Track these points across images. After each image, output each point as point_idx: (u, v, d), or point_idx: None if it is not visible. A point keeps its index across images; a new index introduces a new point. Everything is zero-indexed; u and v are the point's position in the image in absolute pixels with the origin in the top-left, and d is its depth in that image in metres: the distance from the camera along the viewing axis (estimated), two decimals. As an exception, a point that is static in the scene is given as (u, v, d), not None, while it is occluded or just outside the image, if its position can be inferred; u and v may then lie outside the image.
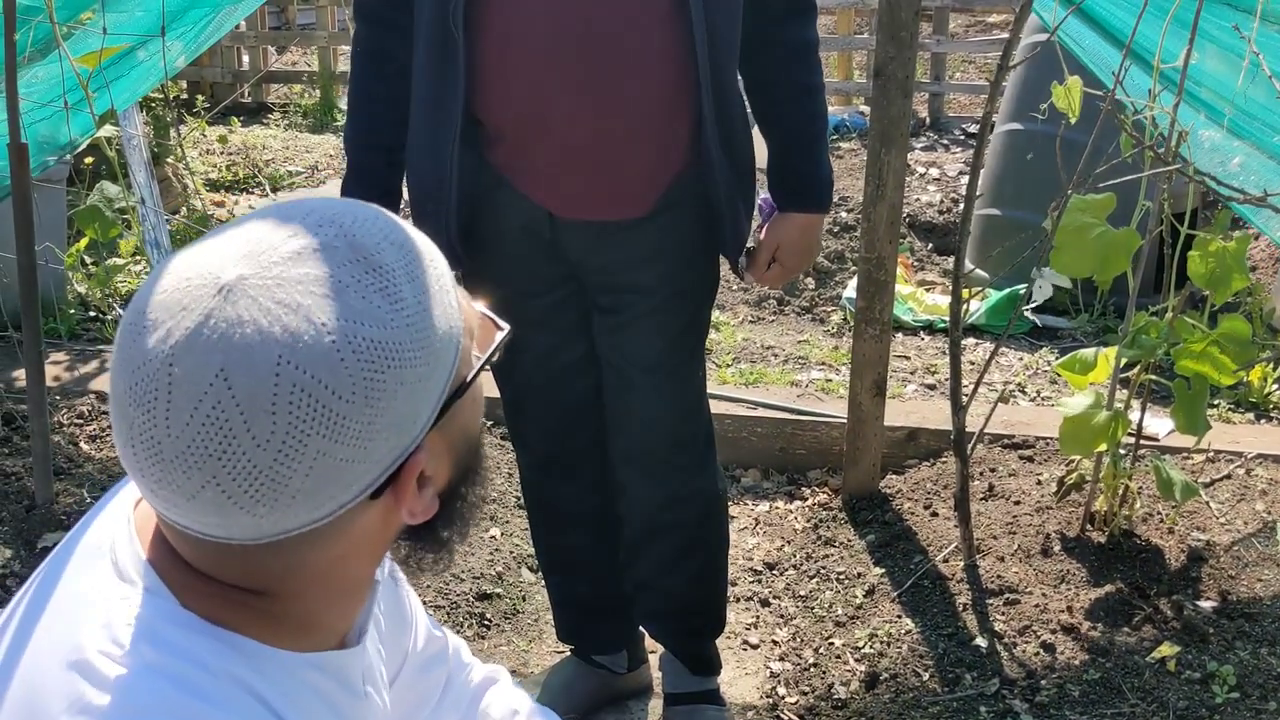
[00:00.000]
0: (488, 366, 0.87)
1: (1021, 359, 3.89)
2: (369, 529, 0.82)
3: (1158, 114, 2.24)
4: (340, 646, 0.89)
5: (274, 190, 5.98)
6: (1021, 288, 4.08)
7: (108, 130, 3.22)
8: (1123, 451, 2.41)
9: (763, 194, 1.96)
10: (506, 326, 0.89)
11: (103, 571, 0.83)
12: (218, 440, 0.72)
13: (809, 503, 2.98)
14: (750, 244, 1.96)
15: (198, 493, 0.74)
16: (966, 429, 2.43)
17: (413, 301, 0.78)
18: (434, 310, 0.79)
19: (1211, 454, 2.83)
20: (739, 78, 1.82)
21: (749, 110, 1.88)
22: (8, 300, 3.18)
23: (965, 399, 2.41)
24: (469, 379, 0.84)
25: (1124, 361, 2.36)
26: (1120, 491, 2.43)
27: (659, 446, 1.93)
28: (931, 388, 3.73)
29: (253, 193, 6.08)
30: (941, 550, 2.51)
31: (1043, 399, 3.59)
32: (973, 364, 3.90)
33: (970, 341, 4.06)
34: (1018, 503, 2.63)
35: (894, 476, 2.93)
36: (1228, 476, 2.74)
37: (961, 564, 2.43)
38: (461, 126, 1.71)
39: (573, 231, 1.79)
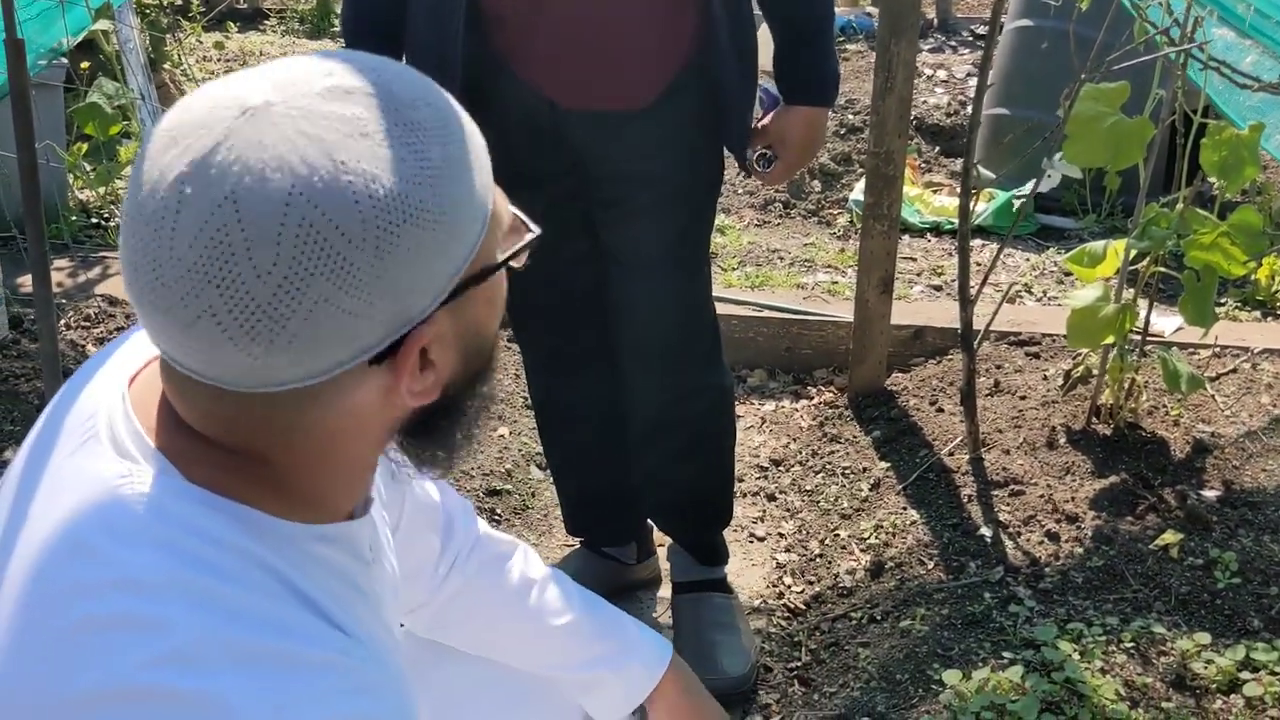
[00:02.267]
0: (511, 266, 0.85)
1: (1028, 259, 3.87)
2: (368, 403, 0.79)
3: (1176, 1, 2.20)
4: (348, 518, 0.89)
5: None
6: (1028, 187, 4.05)
7: (104, 24, 3.16)
8: (1129, 345, 2.40)
9: (763, 84, 1.93)
10: (537, 230, 0.87)
11: (99, 450, 0.80)
12: (218, 266, 0.70)
13: (815, 401, 2.99)
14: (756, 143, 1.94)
15: (194, 322, 0.71)
16: (973, 326, 2.43)
17: (440, 164, 0.75)
18: (461, 181, 0.77)
19: (1218, 349, 2.83)
20: None
21: (755, 2, 1.85)
22: (9, 203, 3.16)
23: (972, 295, 2.41)
24: (490, 269, 0.82)
25: (1133, 254, 2.35)
26: (1126, 385, 2.44)
27: (666, 340, 1.93)
28: (938, 289, 3.72)
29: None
30: (947, 444, 2.53)
31: (1049, 299, 3.58)
32: (979, 265, 3.87)
33: (977, 242, 4.04)
34: (1024, 398, 2.64)
35: (900, 374, 2.93)
36: (1234, 371, 2.75)
37: (967, 457, 2.45)
38: (465, 12, 1.68)
39: (575, 121, 1.77)
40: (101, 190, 3.88)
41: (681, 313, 1.92)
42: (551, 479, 2.30)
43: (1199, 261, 2.30)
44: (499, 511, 2.51)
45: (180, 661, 0.70)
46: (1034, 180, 2.31)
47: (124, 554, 0.73)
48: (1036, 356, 2.89)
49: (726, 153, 1.94)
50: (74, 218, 4.16)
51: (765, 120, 1.91)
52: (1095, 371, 2.46)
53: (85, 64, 4.30)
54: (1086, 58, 2.22)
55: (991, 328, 2.54)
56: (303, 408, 0.77)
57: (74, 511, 0.76)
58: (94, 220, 4.23)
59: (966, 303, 2.41)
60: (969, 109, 5.19)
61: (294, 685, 0.73)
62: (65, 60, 3.67)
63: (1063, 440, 2.43)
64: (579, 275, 1.93)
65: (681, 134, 1.80)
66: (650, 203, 1.83)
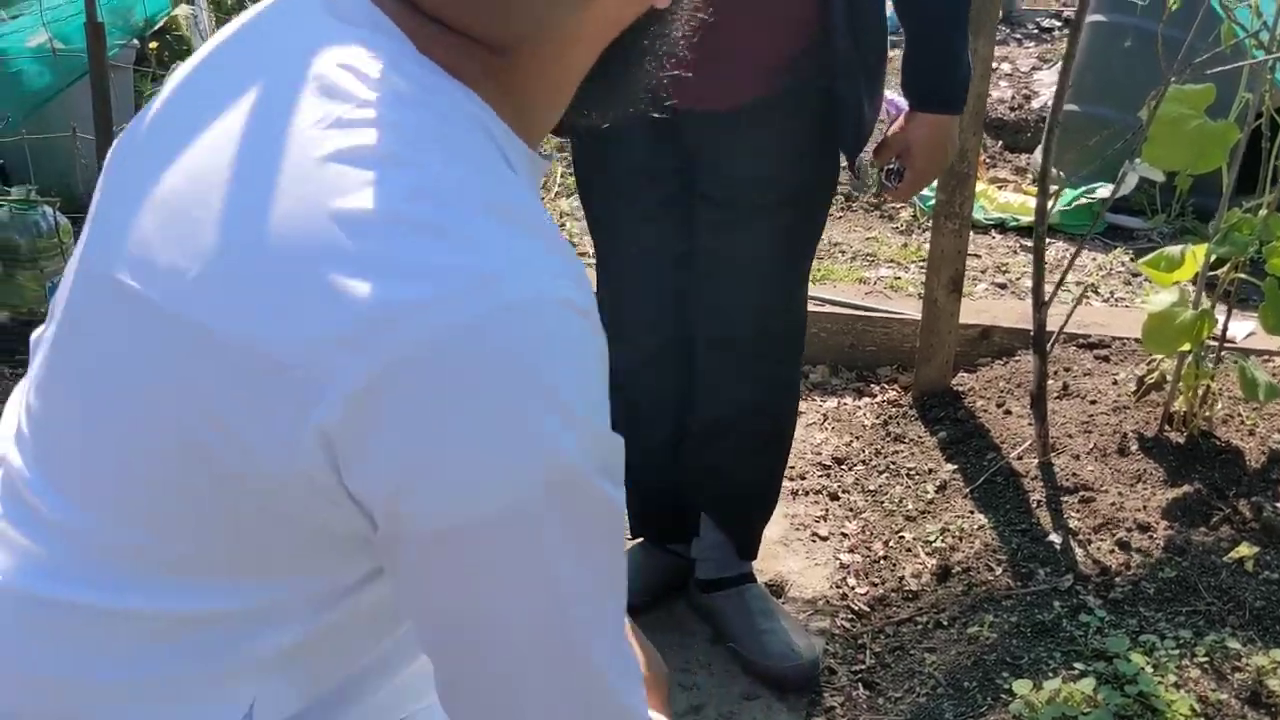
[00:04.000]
0: None
1: (1095, 259, 3.82)
2: (610, 7, 0.75)
3: (1262, 1, 2.15)
4: None
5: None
6: (1098, 186, 3.99)
7: (183, 9, 3.19)
8: (1205, 352, 2.36)
9: (890, 95, 1.89)
10: None
11: (318, 20, 0.74)
12: None
13: (878, 399, 2.97)
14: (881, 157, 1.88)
15: None
16: (1046, 329, 2.40)
17: None
18: None
19: (1293, 356, 2.77)
20: None
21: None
22: (86, 182, 3.20)
23: (1046, 298, 2.37)
24: None
25: (1213, 259, 2.31)
26: (1201, 392, 2.39)
27: (756, 338, 1.92)
28: (1003, 287, 3.68)
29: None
30: (1015, 447, 2.50)
31: (1117, 300, 3.53)
32: (1048, 264, 3.83)
33: (1059, 256, 3.99)
34: (1094, 402, 2.60)
35: (966, 374, 2.90)
36: (1312, 379, 2.69)
37: (1036, 461, 2.42)
38: None
39: (690, 120, 1.73)
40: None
41: (776, 315, 1.91)
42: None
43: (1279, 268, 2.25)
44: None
45: (440, 202, 0.66)
46: (1112, 185, 2.27)
47: (374, 98, 0.69)
48: (1106, 360, 2.84)
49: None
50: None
51: (894, 128, 1.85)
52: (1169, 378, 2.42)
53: (154, 44, 4.35)
54: (1169, 58, 2.18)
55: (1063, 329, 2.51)
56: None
57: (309, 58, 0.71)
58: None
59: (1040, 305, 2.38)
60: (1033, 103, 5.13)
61: (551, 258, 0.69)
62: (136, 42, 3.71)
63: (1134, 447, 2.39)
64: (678, 274, 1.93)
65: (795, 136, 1.77)
66: (760, 204, 1.80)
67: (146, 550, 0.73)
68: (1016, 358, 2.91)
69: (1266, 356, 2.76)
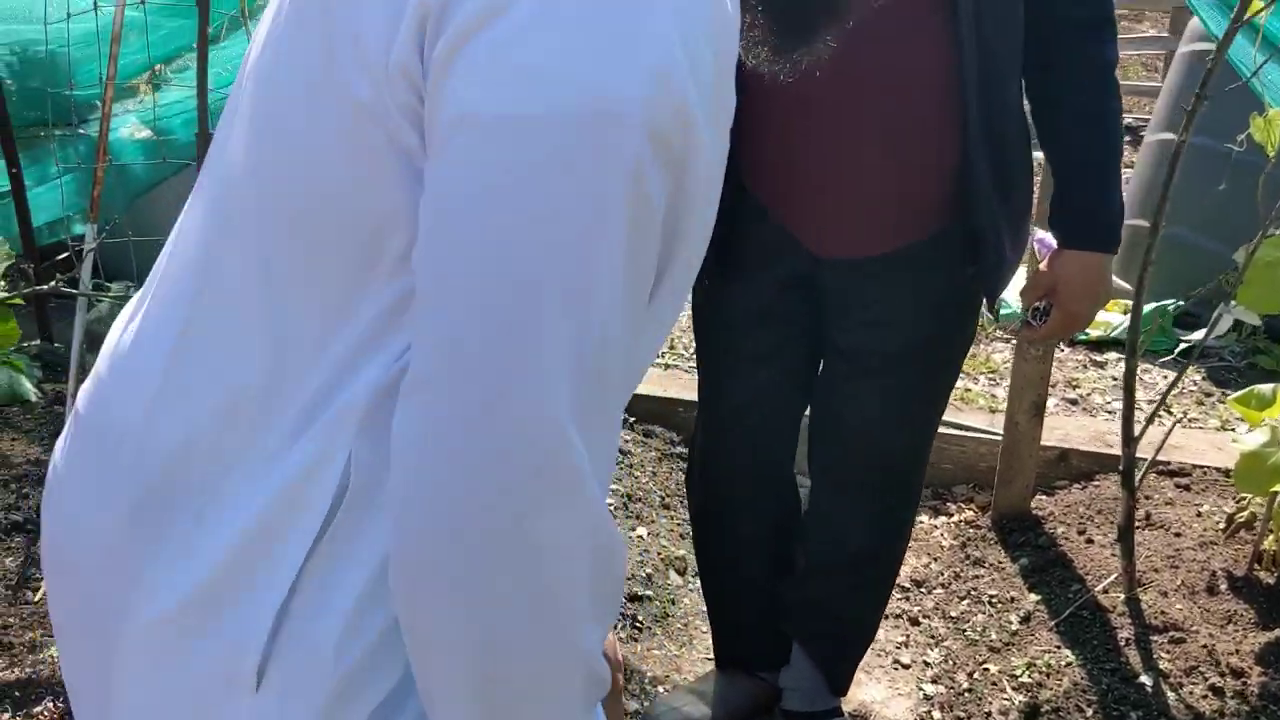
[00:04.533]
0: None
1: (1165, 376, 3.80)
2: None
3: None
4: None
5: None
6: (1169, 303, 3.99)
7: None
8: (1297, 492, 2.35)
9: (1040, 234, 1.86)
10: None
11: None
12: None
13: (955, 519, 2.96)
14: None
15: None
16: (1134, 463, 2.39)
17: None
18: None
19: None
20: (1022, 96, 1.69)
21: (1032, 130, 1.74)
22: (148, 259, 3.31)
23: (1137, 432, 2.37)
24: None
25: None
26: (1292, 532, 2.38)
27: (876, 485, 1.90)
28: (1073, 403, 3.68)
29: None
30: (1100, 580, 2.48)
31: (1190, 420, 3.51)
32: (1114, 380, 3.83)
33: (1112, 356, 3.99)
34: (1178, 534, 2.58)
35: (1044, 497, 2.89)
36: (1399, 519, 2.66)
37: (1122, 596, 2.40)
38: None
39: (828, 267, 1.73)
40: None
41: (900, 462, 1.90)
42: (696, 587, 2.30)
43: (1376, 413, 2.24)
44: (640, 619, 2.51)
45: None
46: (1172, 302, 2.27)
47: None
48: (1187, 489, 2.83)
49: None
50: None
51: (1042, 267, 1.79)
52: (1259, 516, 2.40)
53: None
54: (1242, 181, 2.19)
55: (1140, 455, 2.50)
56: None
57: None
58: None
59: (1130, 440, 2.37)
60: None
61: None
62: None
63: (1224, 586, 2.37)
64: (784, 416, 1.93)
65: (935, 284, 1.74)
66: (893, 355, 1.78)
67: (268, 272, 0.77)
68: (1095, 482, 2.90)
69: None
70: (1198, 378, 3.80)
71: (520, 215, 0.65)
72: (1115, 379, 3.82)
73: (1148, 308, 4.03)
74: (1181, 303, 3.92)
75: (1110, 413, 3.59)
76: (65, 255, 3.12)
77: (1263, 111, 2.17)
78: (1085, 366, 3.95)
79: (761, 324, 1.84)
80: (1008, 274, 1.76)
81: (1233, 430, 3.46)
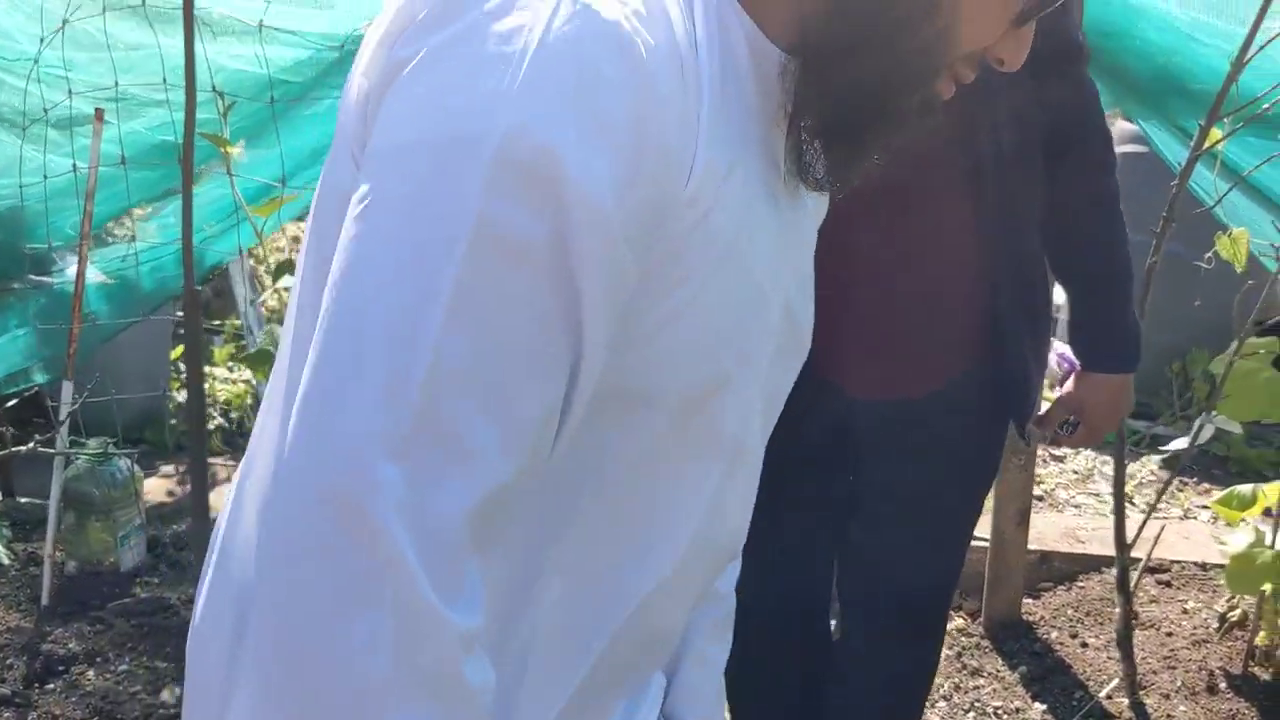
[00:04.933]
0: None
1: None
2: None
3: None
4: None
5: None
6: (1177, 443, 4.11)
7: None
8: (1283, 588, 2.43)
9: (1058, 349, 1.89)
10: None
11: None
12: None
13: (948, 628, 3.00)
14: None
15: None
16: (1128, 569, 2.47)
17: None
18: None
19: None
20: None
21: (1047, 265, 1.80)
22: (124, 413, 3.26)
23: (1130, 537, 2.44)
24: None
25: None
26: (1281, 627, 2.46)
27: (907, 607, 1.91)
28: (1039, 499, 3.76)
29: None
30: (1101, 685, 2.53)
31: (1151, 510, 3.61)
32: (1075, 473, 3.94)
33: (1067, 450, 4.10)
34: (1170, 634, 2.65)
35: (1030, 601, 2.95)
36: (1374, 604, 2.76)
37: (1126, 701, 2.45)
38: None
39: (860, 409, 1.76)
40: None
41: (934, 587, 1.92)
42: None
43: (1353, 508, 2.35)
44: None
45: None
46: (1188, 437, 2.37)
47: None
48: (1169, 585, 2.91)
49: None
50: (173, 421, 4.26)
51: (1067, 388, 1.84)
52: (1252, 614, 2.48)
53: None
54: (1185, 278, 2.29)
55: (1106, 553, 2.57)
56: None
57: None
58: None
59: (1123, 547, 2.45)
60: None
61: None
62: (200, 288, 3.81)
63: (1223, 685, 2.44)
64: (815, 564, 1.95)
65: (966, 424, 1.77)
66: (930, 490, 1.80)
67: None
68: (1079, 583, 2.98)
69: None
70: (1154, 466, 3.92)
71: (367, 243, 0.67)
72: (1076, 472, 3.93)
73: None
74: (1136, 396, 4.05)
75: (1076, 507, 3.68)
76: (14, 402, 3.07)
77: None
78: (1045, 461, 4.05)
79: (806, 471, 1.85)
80: (1035, 401, 1.82)
81: (1195, 518, 3.57)
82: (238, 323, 5.06)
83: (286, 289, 5.85)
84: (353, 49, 2.58)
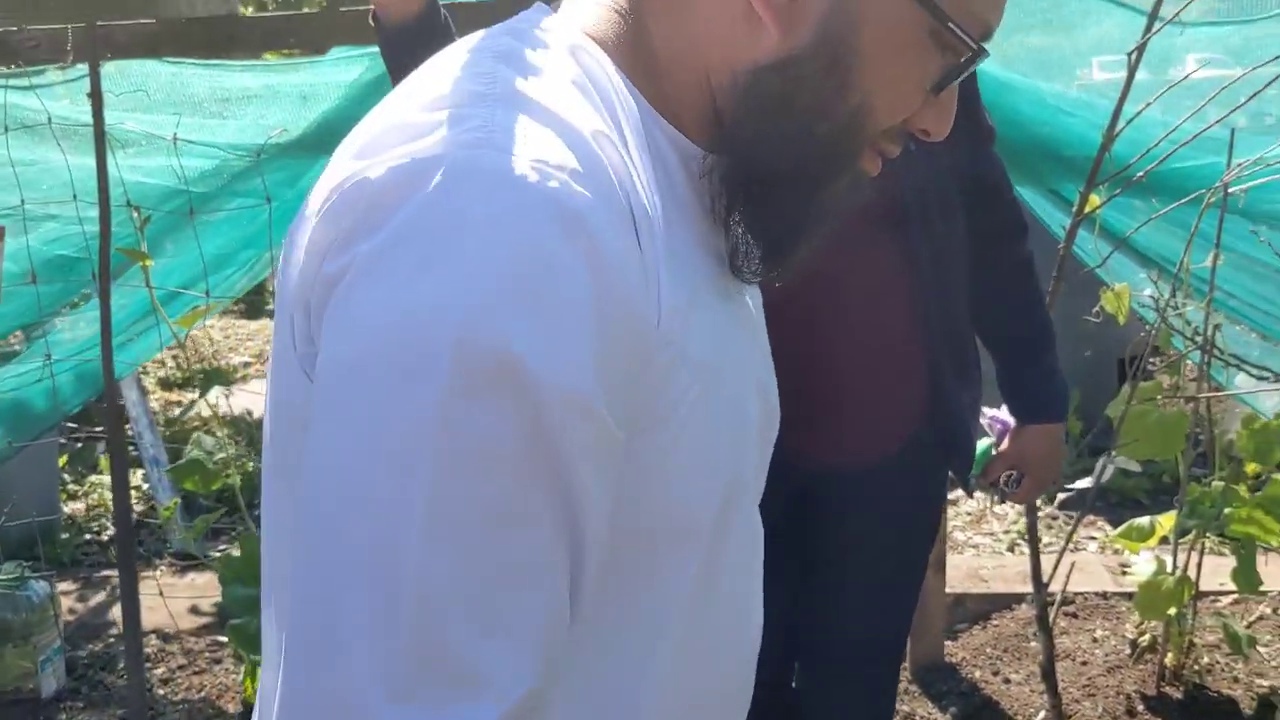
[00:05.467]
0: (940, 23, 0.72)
1: (1013, 506, 4.13)
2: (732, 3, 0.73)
3: (1191, 312, 2.52)
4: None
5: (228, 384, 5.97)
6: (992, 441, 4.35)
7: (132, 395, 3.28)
8: (1186, 610, 2.63)
9: (989, 413, 1.98)
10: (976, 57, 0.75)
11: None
12: None
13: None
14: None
15: None
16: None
17: None
18: None
19: (1238, 594, 3.08)
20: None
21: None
22: (17, 529, 3.18)
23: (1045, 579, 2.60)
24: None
25: (1180, 527, 2.60)
26: (1187, 647, 2.65)
27: (864, 662, 2.00)
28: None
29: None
30: (1029, 718, 2.67)
31: (1045, 546, 3.82)
32: (969, 514, 4.13)
33: (957, 493, 4.30)
34: (1085, 663, 2.82)
35: (950, 643, 3.09)
36: (1261, 618, 2.99)
37: (1056, 731, 2.59)
38: None
39: (816, 480, 1.83)
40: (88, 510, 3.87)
41: (889, 640, 1.99)
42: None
43: (1240, 533, 2.55)
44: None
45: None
46: (1094, 478, 2.54)
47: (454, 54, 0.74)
48: (1075, 616, 3.09)
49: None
50: (65, 534, 4.13)
51: (1004, 446, 1.96)
52: (1160, 637, 2.67)
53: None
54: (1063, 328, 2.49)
55: (1012, 590, 2.74)
56: None
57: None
58: (86, 536, 4.21)
59: (1039, 586, 2.60)
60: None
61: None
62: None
63: (1140, 707, 2.61)
64: (792, 609, 2.02)
65: (915, 486, 1.87)
66: (881, 551, 1.88)
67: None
68: (993, 621, 3.13)
69: (1213, 597, 3.05)
70: (1051, 508, 4.14)
71: (330, 475, 0.63)
72: (970, 513, 4.12)
73: (984, 445, 4.39)
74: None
75: (974, 548, 3.86)
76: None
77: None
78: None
79: (771, 543, 1.94)
80: (973, 455, 1.95)
81: (1085, 549, 3.79)
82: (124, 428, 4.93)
83: (181, 400, 5.70)
84: (265, 157, 2.61)
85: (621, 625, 0.76)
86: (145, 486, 4.57)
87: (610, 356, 0.65)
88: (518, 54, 0.73)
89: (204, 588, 3.66)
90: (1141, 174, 2.28)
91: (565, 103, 0.69)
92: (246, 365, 6.33)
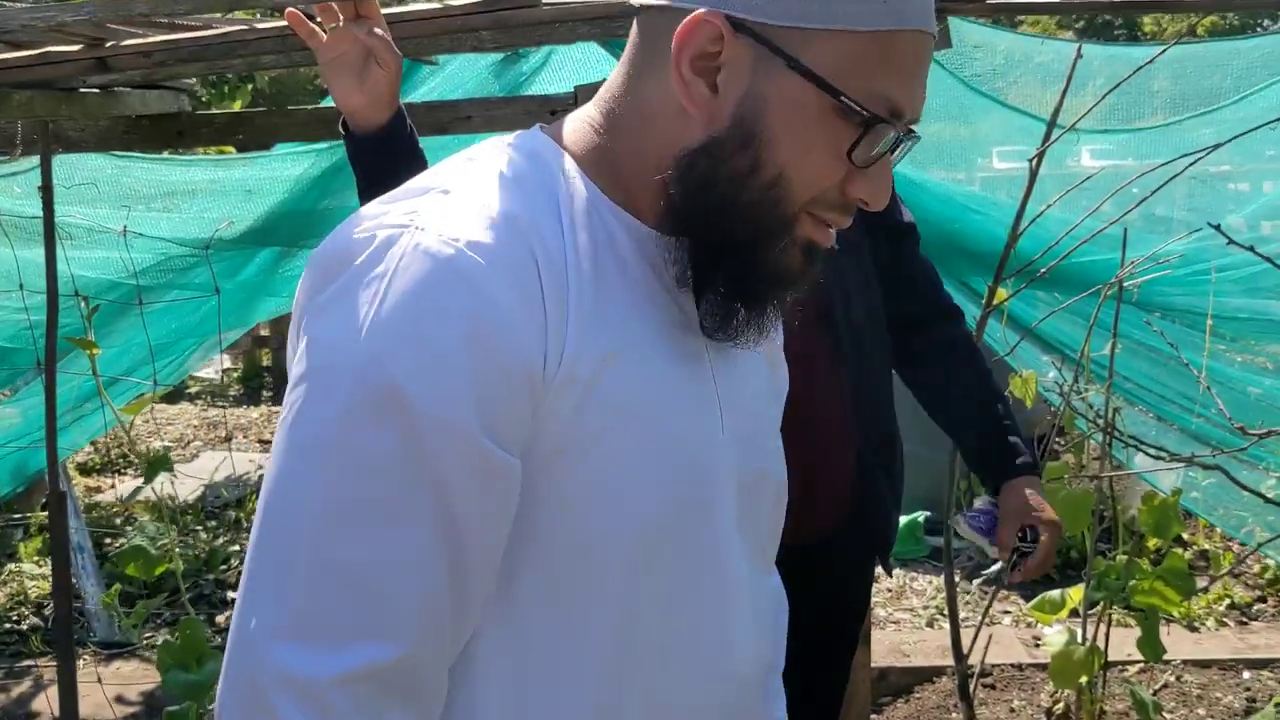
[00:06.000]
0: (840, 102, 0.83)
1: (931, 582, 4.27)
2: (671, 90, 0.86)
3: (1093, 395, 2.70)
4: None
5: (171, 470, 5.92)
6: (921, 515, 4.52)
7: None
8: (1096, 678, 2.77)
9: (966, 514, 2.03)
10: (907, 140, 0.88)
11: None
12: None
13: (804, 750, 3.21)
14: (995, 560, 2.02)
15: None
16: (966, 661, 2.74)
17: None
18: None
19: (1144, 664, 3.24)
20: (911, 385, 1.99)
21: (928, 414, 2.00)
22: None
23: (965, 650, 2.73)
24: (814, 77, 0.83)
25: (1087, 599, 2.75)
26: (1098, 714, 2.78)
27: None
28: (862, 619, 4.05)
29: (125, 473, 5.99)
30: (953, 787, 2.78)
31: (962, 620, 3.96)
32: (890, 590, 4.26)
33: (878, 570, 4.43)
34: (1004, 733, 2.94)
35: (875, 716, 3.19)
36: (1165, 685, 3.14)
37: (978, 799, 2.70)
38: None
39: None
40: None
41: (826, 711, 2.10)
42: None
43: (1144, 603, 2.71)
44: None
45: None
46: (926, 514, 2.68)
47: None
48: (993, 687, 3.22)
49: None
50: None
51: (1003, 510, 1.94)
52: (1072, 705, 2.80)
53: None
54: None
55: (933, 663, 2.85)
56: (641, 68, 0.89)
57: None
58: (6, 625, 4.13)
59: (960, 658, 2.73)
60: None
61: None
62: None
63: (1057, 773, 2.73)
64: None
65: (850, 563, 1.97)
66: (802, 635, 1.97)
67: None
68: (916, 694, 3.24)
69: (1120, 665, 3.21)
70: (957, 577, 4.28)
71: (272, 463, 0.82)
72: (890, 590, 4.25)
73: (905, 520, 4.55)
74: (929, 513, 4.44)
75: (895, 623, 3.99)
76: None
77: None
78: (862, 583, 4.36)
79: None
80: (893, 539, 2.07)
81: (1000, 623, 3.94)
82: (42, 515, 4.88)
83: (100, 486, 5.65)
84: (211, 250, 2.68)
85: (565, 628, 0.89)
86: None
87: (488, 391, 0.80)
88: (479, 155, 0.92)
89: (129, 676, 3.63)
90: (1044, 270, 2.46)
91: (490, 192, 0.86)
92: (167, 449, 6.27)
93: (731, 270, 0.89)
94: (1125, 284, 2.52)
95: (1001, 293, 2.55)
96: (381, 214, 0.85)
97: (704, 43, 0.84)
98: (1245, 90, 3.93)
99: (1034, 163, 2.48)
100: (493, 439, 0.81)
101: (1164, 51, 2.60)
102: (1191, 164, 2.30)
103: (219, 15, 2.05)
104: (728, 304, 0.91)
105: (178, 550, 2.58)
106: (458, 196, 0.86)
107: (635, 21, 0.91)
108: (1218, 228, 1.97)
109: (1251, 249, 2.00)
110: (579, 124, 0.94)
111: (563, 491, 0.86)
